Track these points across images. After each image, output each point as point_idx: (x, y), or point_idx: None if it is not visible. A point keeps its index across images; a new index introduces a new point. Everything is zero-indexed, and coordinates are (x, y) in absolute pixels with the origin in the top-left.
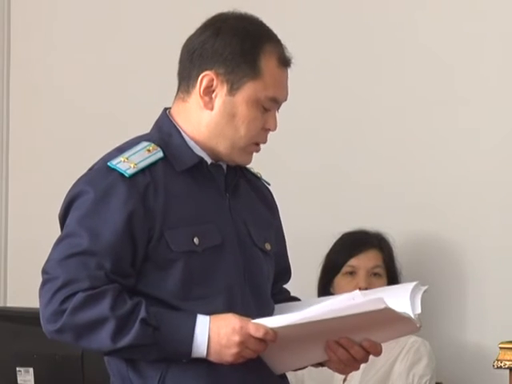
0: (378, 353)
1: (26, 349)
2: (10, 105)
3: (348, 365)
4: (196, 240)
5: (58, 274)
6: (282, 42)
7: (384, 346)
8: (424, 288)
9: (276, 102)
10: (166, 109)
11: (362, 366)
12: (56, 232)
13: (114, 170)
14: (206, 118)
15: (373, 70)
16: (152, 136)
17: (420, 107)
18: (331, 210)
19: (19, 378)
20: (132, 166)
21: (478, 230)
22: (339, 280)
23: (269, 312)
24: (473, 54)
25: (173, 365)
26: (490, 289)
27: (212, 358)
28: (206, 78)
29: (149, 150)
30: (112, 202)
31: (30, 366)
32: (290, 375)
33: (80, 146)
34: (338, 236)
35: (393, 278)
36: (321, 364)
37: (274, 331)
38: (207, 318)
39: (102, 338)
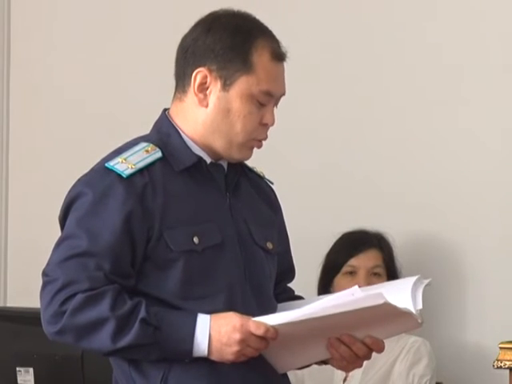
0: (380, 349)
1: (26, 349)
2: (10, 105)
3: (351, 362)
4: (196, 239)
5: (58, 276)
6: (283, 40)
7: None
8: (426, 281)
9: (271, 96)
10: (165, 109)
11: (363, 365)
12: (56, 232)
13: (111, 170)
14: (201, 116)
15: (374, 70)
16: (151, 137)
17: (420, 107)
18: (331, 209)
19: (19, 378)
20: (130, 166)
21: (478, 230)
22: (339, 280)
23: (270, 311)
24: (473, 55)
25: (175, 364)
26: (489, 289)
27: (213, 357)
28: (199, 74)
29: (147, 151)
30: (110, 202)
31: (30, 366)
32: (290, 375)
33: (80, 146)
34: (337, 236)
35: (393, 277)
36: (324, 362)
37: (275, 329)
38: (208, 316)
39: (103, 339)
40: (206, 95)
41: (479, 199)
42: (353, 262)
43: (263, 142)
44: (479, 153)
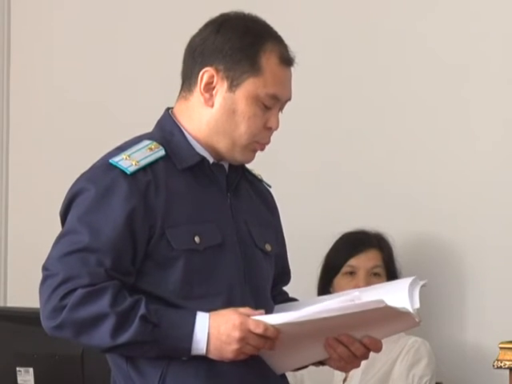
0: (378, 349)
1: (26, 349)
2: (10, 105)
3: (349, 362)
4: (197, 239)
5: (58, 271)
6: (288, 40)
7: (384, 346)
8: (422, 282)
9: (277, 100)
10: (168, 108)
11: (362, 365)
12: (57, 232)
13: (115, 167)
14: (206, 116)
15: (374, 70)
16: (154, 135)
17: (420, 108)
18: (331, 209)
19: (19, 378)
20: (134, 163)
21: (478, 230)
22: (339, 280)
23: (268, 312)
24: (474, 55)
25: (173, 363)
26: (489, 289)
27: (212, 355)
28: (206, 74)
29: (151, 149)
30: (113, 199)
31: (30, 366)
32: (289, 376)
33: (80, 145)
34: (338, 236)
35: (392, 277)
36: (321, 363)
37: (275, 328)
38: (207, 314)
39: (102, 335)
40: (212, 95)
41: (479, 199)
42: (352, 262)
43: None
44: (479, 153)
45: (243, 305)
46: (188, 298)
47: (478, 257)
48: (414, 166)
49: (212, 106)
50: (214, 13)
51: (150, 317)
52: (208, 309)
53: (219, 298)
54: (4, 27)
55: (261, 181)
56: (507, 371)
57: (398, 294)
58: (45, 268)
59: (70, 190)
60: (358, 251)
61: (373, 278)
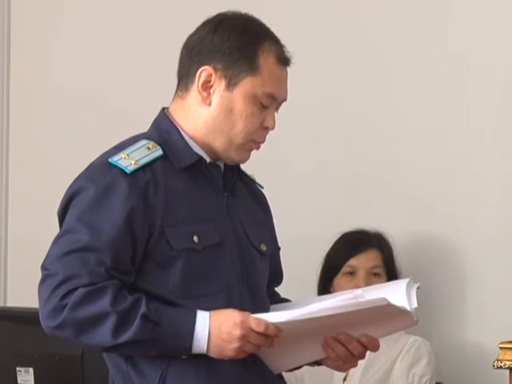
0: (375, 348)
1: (26, 349)
2: (10, 104)
3: (346, 361)
4: (196, 238)
5: (58, 270)
6: (282, 37)
7: (384, 345)
8: (416, 285)
9: (274, 99)
10: (163, 108)
11: (362, 365)
12: (56, 231)
13: (114, 166)
14: (203, 114)
15: (373, 67)
16: (151, 134)
17: (420, 107)
18: (331, 209)
19: (19, 378)
20: (133, 162)
21: (477, 230)
22: (339, 280)
23: (265, 311)
24: (475, 55)
25: (173, 363)
26: (489, 289)
27: (212, 354)
28: (204, 72)
29: (148, 148)
30: (113, 198)
31: (30, 366)
32: (289, 375)
33: (80, 145)
34: (337, 236)
35: (392, 277)
36: (317, 363)
37: (276, 326)
38: (207, 313)
39: (103, 334)
40: (209, 94)
41: (479, 199)
42: (352, 262)
43: (262, 146)
44: (479, 153)
45: (242, 304)
46: (187, 297)
47: (477, 257)
48: (414, 165)
49: (209, 104)
50: (214, 11)
51: (150, 315)
52: (207, 308)
53: (218, 297)
54: (4, 27)
55: (254, 181)
56: (507, 371)
57: (395, 295)
58: (44, 267)
59: (68, 189)
60: (358, 251)
61: (373, 277)
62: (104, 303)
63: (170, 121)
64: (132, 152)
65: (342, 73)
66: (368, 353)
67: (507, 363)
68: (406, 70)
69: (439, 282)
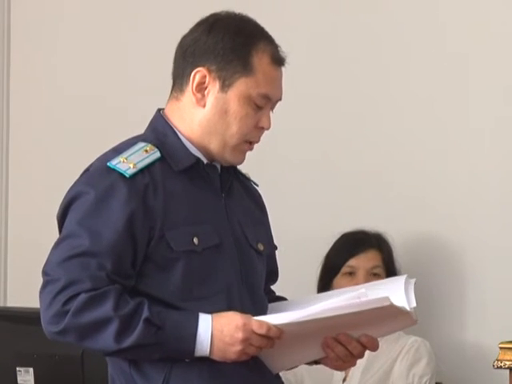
0: (375, 348)
1: (26, 349)
2: (10, 104)
3: (346, 361)
4: (195, 240)
5: (60, 276)
6: (282, 35)
7: (384, 345)
8: (413, 281)
9: (269, 100)
10: (159, 109)
11: (362, 365)
12: (56, 232)
13: (113, 170)
14: (198, 116)
15: (372, 69)
16: (148, 136)
17: (420, 107)
18: (331, 210)
19: (19, 378)
20: (132, 166)
21: (478, 230)
22: (339, 280)
23: (264, 311)
24: (474, 55)
25: (176, 365)
26: (489, 289)
27: (215, 356)
28: (198, 74)
29: (146, 151)
30: (113, 202)
31: (30, 366)
32: (289, 375)
33: (80, 145)
34: (337, 236)
35: None
36: (315, 362)
37: (278, 328)
38: (209, 316)
39: (106, 339)
40: (204, 95)
41: (479, 199)
42: (352, 262)
43: (262, 147)
44: (479, 153)
45: (241, 304)
46: (188, 299)
47: (477, 256)
48: (413, 165)
49: (204, 106)
50: (213, 11)
51: (153, 319)
52: (208, 309)
53: (218, 298)
54: (4, 27)
55: (249, 180)
56: (507, 371)
57: (394, 294)
58: (45, 273)
59: (67, 194)
60: (358, 251)
61: (372, 278)
62: (106, 308)
63: (166, 122)
64: (130, 155)
65: (341, 72)
66: (368, 353)
67: (507, 363)
68: (406, 70)
69: (439, 281)
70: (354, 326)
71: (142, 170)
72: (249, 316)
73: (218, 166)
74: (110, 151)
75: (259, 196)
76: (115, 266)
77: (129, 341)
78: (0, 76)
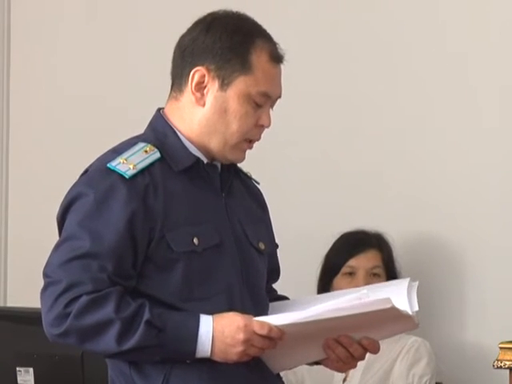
0: (376, 351)
1: (26, 349)
2: (10, 104)
3: (346, 363)
4: (195, 240)
5: (61, 278)
6: (282, 32)
7: (384, 345)
8: (416, 284)
9: (268, 98)
10: (159, 109)
11: (362, 365)
12: (56, 232)
13: (113, 171)
14: (198, 115)
15: (373, 68)
16: (147, 136)
17: (420, 107)
18: (331, 209)
19: (19, 378)
20: (131, 167)
21: (478, 230)
22: (339, 280)
23: (265, 311)
24: (474, 54)
25: (176, 366)
26: (489, 289)
27: (216, 357)
28: (197, 73)
29: (146, 151)
30: (113, 203)
31: (30, 366)
32: (289, 375)
33: (80, 145)
34: (337, 236)
35: (392, 278)
36: (316, 362)
37: (279, 328)
38: (210, 317)
39: (107, 341)
40: (203, 94)
41: (479, 199)
42: (352, 262)
43: (262, 147)
44: (479, 152)
45: (242, 304)
46: (188, 300)
47: (477, 256)
48: (413, 165)
49: (203, 105)
50: (213, 10)
51: (154, 321)
52: (209, 310)
53: (220, 299)
54: (4, 27)
55: (250, 178)
56: (507, 371)
57: (397, 298)
58: (46, 275)
59: (67, 195)
60: (358, 251)
61: (372, 278)
62: (108, 310)
63: (166, 122)
64: (130, 156)
65: (341, 72)
66: (368, 354)
67: (507, 363)
68: (406, 69)
69: (439, 281)
70: (355, 328)
71: (142, 171)
72: (250, 317)
73: (219, 166)
74: (109, 152)
75: (260, 194)
76: (116, 268)
77: (130, 343)
78: (0, 76)
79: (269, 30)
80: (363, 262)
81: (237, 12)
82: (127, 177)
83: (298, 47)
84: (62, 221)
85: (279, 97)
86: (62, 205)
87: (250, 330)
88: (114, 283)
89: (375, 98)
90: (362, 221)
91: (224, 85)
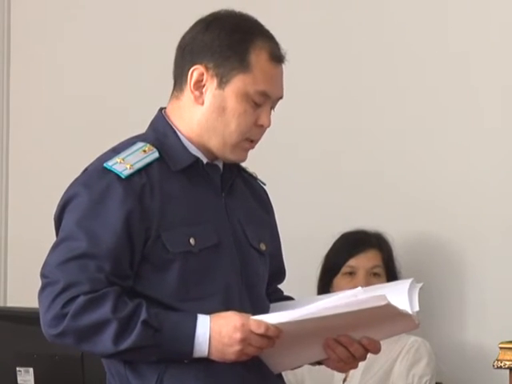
0: (376, 350)
1: (26, 349)
2: (10, 104)
3: (347, 363)
4: (192, 240)
5: (58, 278)
6: (284, 31)
7: (384, 345)
8: (419, 285)
9: (267, 97)
10: (161, 108)
11: (362, 365)
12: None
13: (110, 171)
14: (197, 114)
15: (373, 68)
16: (147, 136)
17: (420, 107)
18: (331, 209)
19: (19, 378)
20: (128, 167)
21: (477, 230)
22: (339, 280)
23: (264, 311)
24: (475, 54)
25: (171, 365)
26: (489, 289)
27: (214, 357)
28: (195, 71)
29: (144, 151)
30: (109, 203)
31: (30, 366)
32: (289, 375)
33: (80, 145)
34: (337, 236)
35: (392, 277)
36: (318, 362)
37: (276, 327)
38: (207, 317)
39: (104, 341)
40: (201, 93)
41: (479, 199)
42: (352, 262)
43: (262, 147)
44: (480, 152)
45: (241, 304)
46: (185, 300)
47: (477, 256)
48: (413, 165)
49: (202, 103)
50: (214, 10)
51: (151, 321)
52: (206, 310)
53: (217, 299)
54: (4, 27)
55: (255, 179)
56: (507, 371)
57: (397, 297)
58: (43, 275)
59: (64, 195)
60: (358, 251)
61: (372, 278)
62: (105, 311)
63: (167, 122)
64: (127, 156)
65: (343, 72)
66: (368, 354)
67: (507, 363)
68: (407, 69)
69: (439, 281)
70: (353, 327)
71: (139, 171)
72: (247, 316)
73: (220, 165)
74: (109, 151)
75: (265, 195)
76: (113, 268)
77: (126, 343)
78: (0, 76)
79: (271, 31)
80: (363, 261)
81: (239, 12)
82: (123, 176)
83: (300, 47)
84: (59, 220)
85: (280, 97)
86: (59, 204)
87: (247, 329)
88: (111, 283)
89: (376, 99)
90: (362, 221)
91: (222, 83)
